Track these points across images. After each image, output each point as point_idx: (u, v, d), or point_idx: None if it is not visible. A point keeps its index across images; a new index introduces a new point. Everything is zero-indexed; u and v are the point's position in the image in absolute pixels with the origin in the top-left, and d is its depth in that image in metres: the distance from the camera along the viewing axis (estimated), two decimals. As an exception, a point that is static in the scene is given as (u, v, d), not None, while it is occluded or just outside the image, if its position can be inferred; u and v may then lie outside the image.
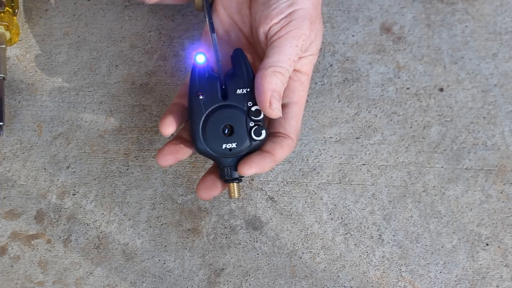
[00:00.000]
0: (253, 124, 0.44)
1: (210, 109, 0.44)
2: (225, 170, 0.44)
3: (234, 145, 0.44)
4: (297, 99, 0.46)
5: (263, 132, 0.44)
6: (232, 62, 0.46)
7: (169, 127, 0.44)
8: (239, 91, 0.44)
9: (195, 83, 0.44)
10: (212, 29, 0.46)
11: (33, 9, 0.57)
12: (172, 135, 0.45)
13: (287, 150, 0.45)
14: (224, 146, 0.44)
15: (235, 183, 0.45)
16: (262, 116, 0.44)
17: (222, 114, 0.44)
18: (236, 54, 0.45)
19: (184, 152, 0.45)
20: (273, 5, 0.44)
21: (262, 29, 0.45)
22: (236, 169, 0.44)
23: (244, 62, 0.45)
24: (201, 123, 0.44)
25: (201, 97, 0.44)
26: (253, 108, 0.44)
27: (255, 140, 0.44)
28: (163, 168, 0.44)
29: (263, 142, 0.45)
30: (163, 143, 0.52)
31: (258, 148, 0.44)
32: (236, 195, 0.45)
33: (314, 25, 0.45)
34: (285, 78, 0.44)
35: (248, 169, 0.43)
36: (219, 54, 0.46)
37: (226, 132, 0.44)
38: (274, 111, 0.43)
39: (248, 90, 0.44)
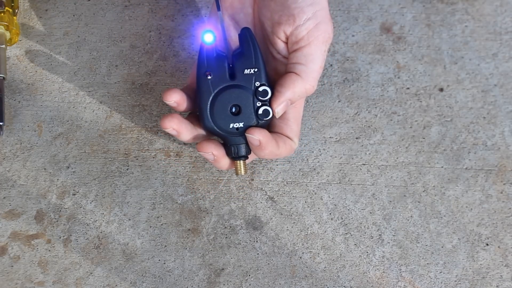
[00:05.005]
0: (260, 104, 0.45)
1: (218, 89, 0.45)
2: (232, 148, 0.45)
3: (241, 124, 0.45)
4: (296, 103, 0.47)
5: (270, 111, 0.45)
6: (240, 41, 0.46)
7: (173, 94, 0.44)
8: (246, 71, 0.45)
9: (203, 63, 0.45)
10: (218, 7, 0.46)
11: (33, 9, 0.57)
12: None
13: (288, 148, 0.46)
14: (231, 125, 0.45)
15: (241, 161, 0.46)
16: (269, 96, 0.45)
17: (229, 94, 0.45)
18: (243, 33, 0.45)
19: (187, 128, 0.45)
20: (293, 5, 0.44)
21: (283, 29, 0.45)
22: (243, 147, 0.45)
23: (252, 41, 0.45)
24: (209, 103, 0.45)
25: (209, 77, 0.45)
26: (260, 88, 0.45)
27: (262, 120, 0.45)
28: (164, 128, 0.44)
29: (270, 122, 0.46)
30: (163, 143, 0.52)
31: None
32: (243, 172, 0.46)
33: (332, 26, 0.45)
34: (311, 87, 0.45)
35: (256, 133, 0.43)
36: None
37: (233, 111, 0.45)
38: (276, 114, 0.45)
39: (256, 70, 0.45)
